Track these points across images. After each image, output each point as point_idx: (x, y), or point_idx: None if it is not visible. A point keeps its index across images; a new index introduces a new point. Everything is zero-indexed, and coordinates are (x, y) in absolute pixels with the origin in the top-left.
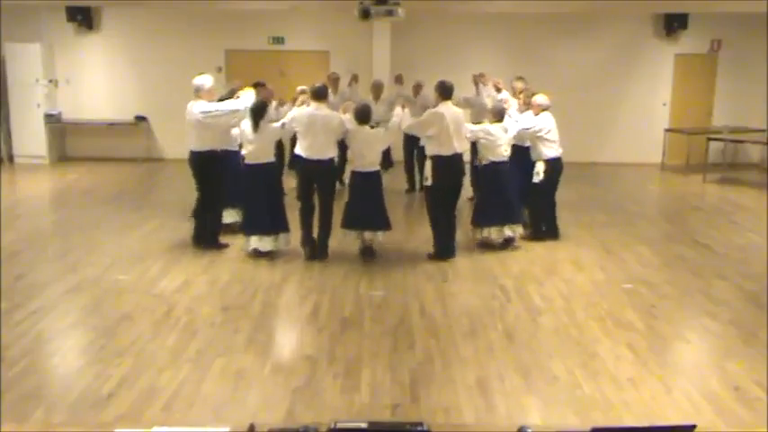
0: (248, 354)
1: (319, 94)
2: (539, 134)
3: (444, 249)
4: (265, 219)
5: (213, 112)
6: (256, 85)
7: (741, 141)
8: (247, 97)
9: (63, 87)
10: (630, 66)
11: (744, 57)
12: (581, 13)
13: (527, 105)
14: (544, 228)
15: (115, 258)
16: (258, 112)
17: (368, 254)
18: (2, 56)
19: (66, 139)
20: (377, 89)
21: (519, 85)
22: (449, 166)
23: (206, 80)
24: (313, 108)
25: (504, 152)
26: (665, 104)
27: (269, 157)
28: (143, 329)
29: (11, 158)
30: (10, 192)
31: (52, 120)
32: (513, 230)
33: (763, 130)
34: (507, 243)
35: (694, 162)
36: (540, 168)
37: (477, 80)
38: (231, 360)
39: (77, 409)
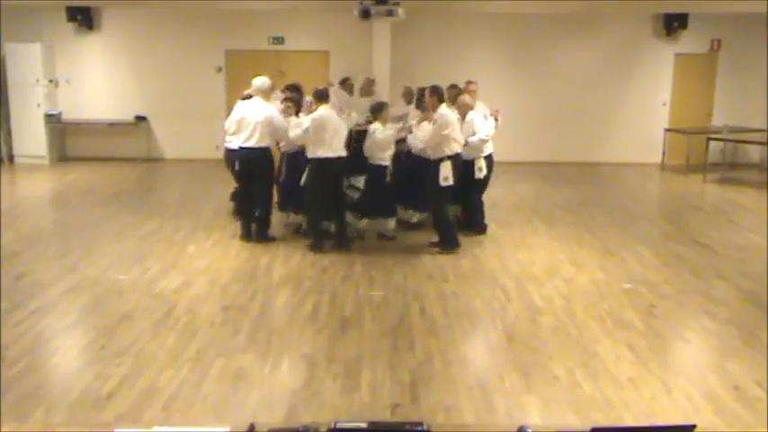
0: (248, 354)
1: (323, 96)
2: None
3: (455, 241)
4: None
5: (280, 123)
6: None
7: (741, 141)
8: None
9: (63, 87)
10: (630, 66)
11: (744, 57)
12: (581, 13)
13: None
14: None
15: (115, 258)
16: None
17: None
18: (2, 56)
19: (66, 139)
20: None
21: (472, 87)
22: (458, 162)
23: (264, 82)
24: (326, 110)
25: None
26: (665, 104)
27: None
28: (143, 329)
29: (11, 158)
30: (10, 192)
31: (52, 120)
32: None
33: (763, 130)
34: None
35: (694, 162)
36: (482, 164)
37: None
38: (231, 360)
39: (77, 409)
